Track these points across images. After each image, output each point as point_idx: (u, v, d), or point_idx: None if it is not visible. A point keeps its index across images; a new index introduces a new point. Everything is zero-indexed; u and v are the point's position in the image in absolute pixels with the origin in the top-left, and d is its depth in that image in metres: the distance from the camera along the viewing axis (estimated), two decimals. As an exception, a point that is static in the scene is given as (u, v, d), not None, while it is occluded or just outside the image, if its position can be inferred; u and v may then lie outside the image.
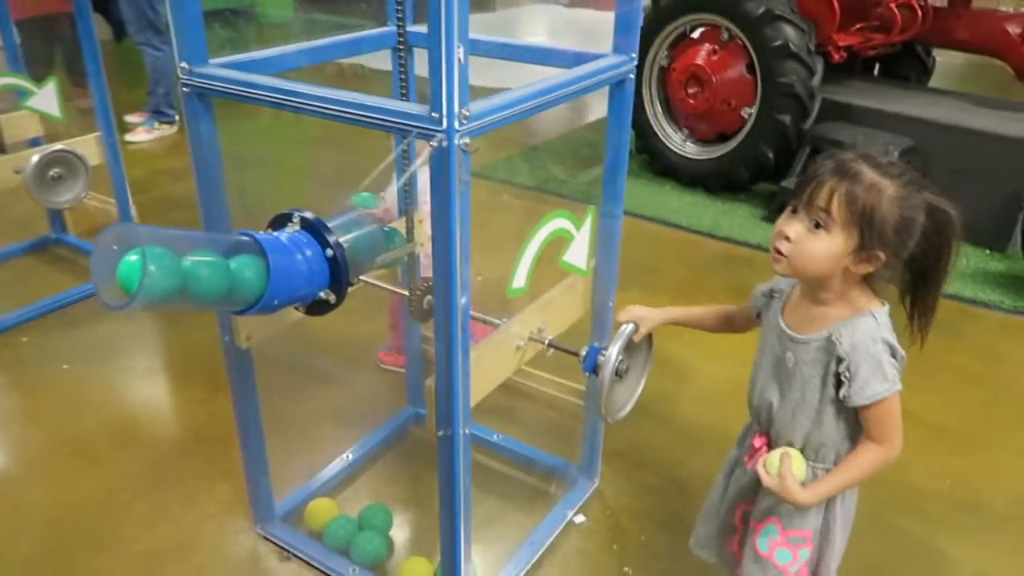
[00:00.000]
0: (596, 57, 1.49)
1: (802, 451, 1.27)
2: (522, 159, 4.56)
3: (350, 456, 2.12)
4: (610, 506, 2.03)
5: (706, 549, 1.50)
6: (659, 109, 4.21)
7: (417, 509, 2.00)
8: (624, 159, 1.64)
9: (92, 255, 1.10)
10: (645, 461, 2.18)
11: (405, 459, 2.19)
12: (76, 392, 2.44)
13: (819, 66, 3.65)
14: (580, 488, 2.04)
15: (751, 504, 1.39)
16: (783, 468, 1.22)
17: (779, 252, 1.19)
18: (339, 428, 2.27)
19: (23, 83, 2.70)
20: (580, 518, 1.98)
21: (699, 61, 3.89)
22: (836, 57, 3.85)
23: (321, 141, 4.71)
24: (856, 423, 1.25)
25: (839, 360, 1.18)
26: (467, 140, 1.13)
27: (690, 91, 3.96)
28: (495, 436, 2.20)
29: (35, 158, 2.62)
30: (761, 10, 3.56)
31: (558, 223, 1.46)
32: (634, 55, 1.53)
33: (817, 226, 1.16)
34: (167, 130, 4.81)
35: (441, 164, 1.13)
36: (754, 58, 3.69)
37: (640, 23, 1.52)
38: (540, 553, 1.86)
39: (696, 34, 4.03)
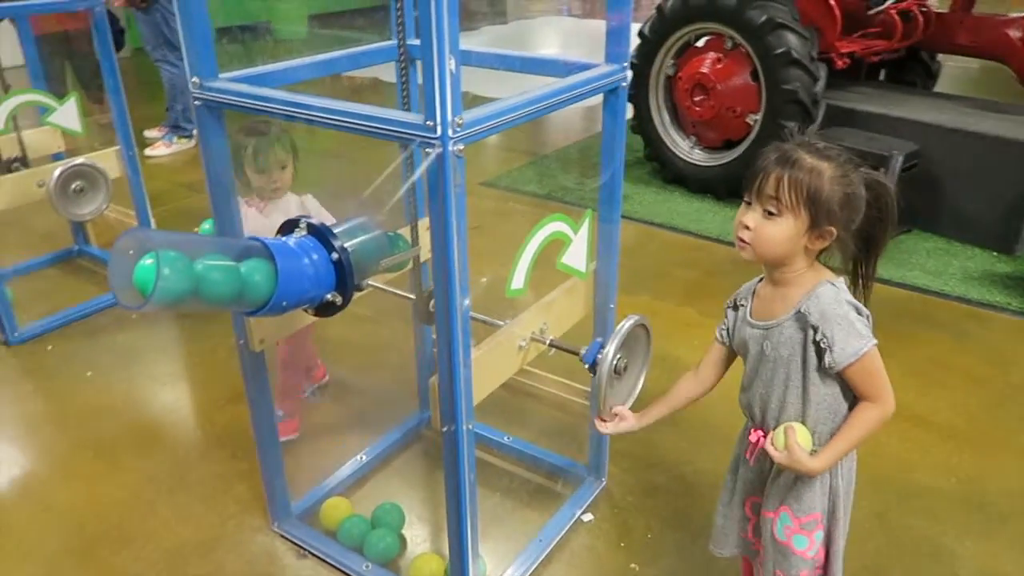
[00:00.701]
0: (589, 66, 1.54)
1: None
2: (532, 168, 4.63)
3: (364, 457, 2.19)
4: (617, 504, 2.07)
5: (725, 547, 1.53)
6: (667, 117, 4.26)
7: (428, 508, 2.05)
8: (620, 164, 1.69)
9: (110, 259, 1.17)
10: (652, 461, 2.22)
11: (417, 460, 2.25)
12: (99, 397, 2.53)
13: (822, 72, 3.68)
14: (588, 487, 2.09)
15: (758, 496, 1.44)
16: (789, 441, 1.27)
17: (743, 241, 1.29)
18: (353, 430, 2.33)
19: (45, 99, 2.80)
20: (588, 516, 2.02)
21: (704, 69, 3.94)
22: (840, 63, 3.88)
23: (331, 153, 4.80)
24: (843, 397, 1.30)
25: (814, 329, 1.25)
26: (460, 147, 1.19)
27: (696, 99, 4.01)
28: (505, 438, 2.25)
29: (57, 172, 2.72)
30: (763, 18, 3.61)
31: (555, 226, 1.51)
32: (626, 64, 1.59)
33: (770, 214, 1.25)
34: (185, 144, 4.93)
35: (437, 170, 1.19)
36: (758, 66, 3.74)
37: (630, 33, 1.57)
38: (549, 550, 1.90)
39: (701, 43, 4.08)
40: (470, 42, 1.78)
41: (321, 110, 1.29)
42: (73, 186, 2.79)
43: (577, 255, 1.61)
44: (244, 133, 2.01)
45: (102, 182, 2.85)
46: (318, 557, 1.89)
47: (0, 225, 2.76)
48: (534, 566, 1.85)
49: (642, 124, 4.33)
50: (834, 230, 1.25)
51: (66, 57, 5.01)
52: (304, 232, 1.40)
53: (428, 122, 1.17)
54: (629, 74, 1.62)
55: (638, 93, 4.26)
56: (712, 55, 3.97)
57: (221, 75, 1.46)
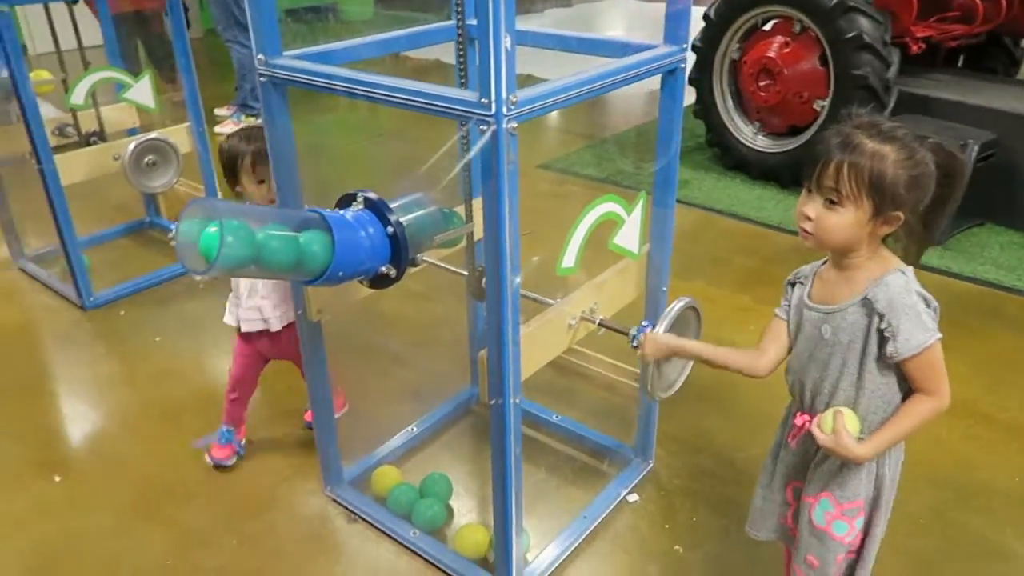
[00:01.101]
0: (647, 47, 1.54)
1: None
2: (589, 152, 4.61)
3: (415, 429, 2.24)
4: (664, 487, 2.08)
5: (762, 530, 1.52)
6: (730, 102, 4.19)
7: (475, 481, 2.09)
8: (677, 147, 1.68)
9: (177, 226, 1.22)
10: (702, 446, 2.22)
11: (466, 434, 2.29)
12: (167, 362, 2.65)
13: (895, 58, 3.57)
14: (634, 468, 2.10)
15: (800, 481, 1.42)
16: (837, 425, 1.25)
17: (805, 231, 1.26)
18: (406, 403, 2.38)
19: (121, 76, 2.92)
20: (633, 497, 2.03)
21: (771, 53, 3.85)
22: (914, 48, 3.75)
23: (390, 134, 4.89)
24: (897, 387, 1.28)
25: (880, 317, 1.22)
26: (514, 124, 1.21)
27: (762, 84, 3.93)
28: (554, 416, 2.28)
29: (132, 146, 2.84)
30: (834, 1, 3.51)
31: (608, 206, 1.52)
32: (685, 45, 1.57)
33: (832, 203, 1.21)
34: (253, 122, 5.06)
35: (491, 147, 1.21)
36: (827, 50, 3.64)
37: (691, 15, 1.55)
38: (593, 527, 1.92)
39: (768, 26, 4.00)
40: (532, 24, 1.78)
41: (380, 87, 1.32)
42: (146, 160, 2.90)
43: (630, 236, 1.62)
44: (242, 140, 1.92)
45: (173, 156, 2.96)
46: (367, 522, 1.95)
47: (78, 197, 2.88)
48: (577, 543, 1.88)
49: (704, 109, 4.27)
50: (901, 215, 1.21)
51: (139, 37, 5.19)
52: (361, 206, 1.44)
53: (483, 99, 1.19)
54: (688, 56, 1.60)
55: (701, 78, 4.20)
56: (779, 39, 3.88)
57: (285, 53, 1.50)
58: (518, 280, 1.35)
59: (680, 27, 1.56)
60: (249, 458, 2.19)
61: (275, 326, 2.01)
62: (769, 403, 2.34)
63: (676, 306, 1.53)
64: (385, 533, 1.92)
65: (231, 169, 1.94)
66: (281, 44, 1.50)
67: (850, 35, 3.50)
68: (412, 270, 1.62)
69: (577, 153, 4.59)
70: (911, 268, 1.27)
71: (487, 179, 1.25)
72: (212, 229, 1.20)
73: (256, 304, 1.98)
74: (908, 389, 1.28)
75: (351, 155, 4.84)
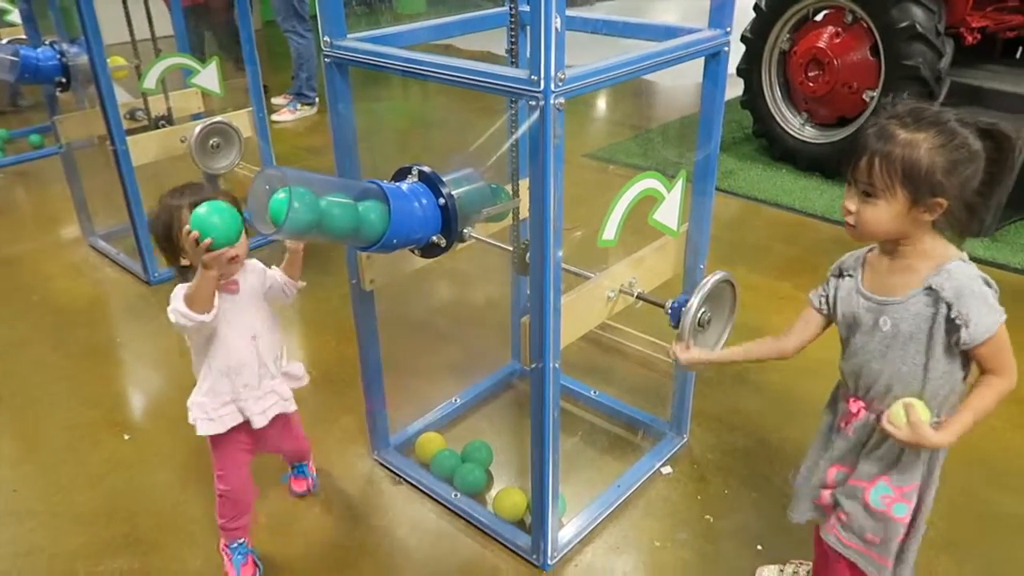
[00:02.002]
0: (690, 31, 1.60)
1: None
2: (635, 142, 4.66)
3: (458, 400, 2.34)
4: (697, 461, 2.14)
5: (801, 513, 1.52)
6: (778, 93, 4.19)
7: (514, 450, 2.18)
8: (718, 128, 1.74)
9: (249, 191, 1.33)
10: (737, 424, 2.27)
11: (506, 407, 2.38)
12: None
13: (948, 48, 3.54)
14: (669, 442, 2.16)
15: (844, 466, 1.43)
16: (911, 418, 1.24)
17: (849, 224, 1.27)
18: (451, 376, 2.49)
19: (190, 62, 3.07)
20: (667, 469, 2.10)
21: (821, 44, 3.85)
22: (969, 39, 3.71)
23: (445, 119, 5.00)
24: (960, 370, 1.28)
25: (948, 306, 1.22)
26: (562, 100, 1.29)
27: (811, 74, 3.93)
28: (592, 392, 2.36)
29: (198, 128, 2.99)
30: (887, -10, 3.50)
31: (648, 183, 1.58)
32: (729, 29, 1.63)
33: (868, 195, 1.22)
34: (308, 111, 5.23)
35: (539, 122, 1.29)
36: (879, 40, 3.62)
37: (735, 1, 1.61)
38: (626, 496, 2.00)
39: (819, 17, 3.99)
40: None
41: (435, 66, 1.41)
42: (211, 142, 3.05)
43: (669, 213, 1.68)
44: (175, 196, 1.55)
45: (236, 139, 3.11)
46: (412, 484, 2.05)
47: (145, 179, 3.04)
48: (611, 509, 1.96)
49: (752, 99, 4.28)
50: (943, 201, 1.19)
51: (206, 27, 5.40)
52: (416, 179, 1.53)
53: (533, 76, 1.27)
54: (731, 41, 1.65)
55: (750, 68, 4.21)
56: (830, 29, 3.87)
57: (348, 35, 1.61)
58: (560, 253, 1.43)
59: (724, 12, 1.62)
60: (301, 422, 2.31)
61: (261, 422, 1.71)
62: (805, 387, 2.39)
63: (711, 279, 1.60)
64: (428, 494, 2.02)
65: (166, 234, 1.53)
66: (346, 27, 1.60)
67: (902, 24, 3.49)
68: (460, 246, 1.72)
69: (623, 143, 4.64)
70: (964, 254, 1.25)
71: (535, 153, 1.33)
72: (281, 195, 1.30)
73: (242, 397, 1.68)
74: (966, 371, 1.28)
75: (409, 134, 5.00)
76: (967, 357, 1.28)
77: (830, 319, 1.42)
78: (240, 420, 1.69)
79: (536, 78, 1.26)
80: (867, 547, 1.39)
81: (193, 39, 5.14)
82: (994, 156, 1.21)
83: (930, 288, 1.23)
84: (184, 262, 1.56)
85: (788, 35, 4.08)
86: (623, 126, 5.09)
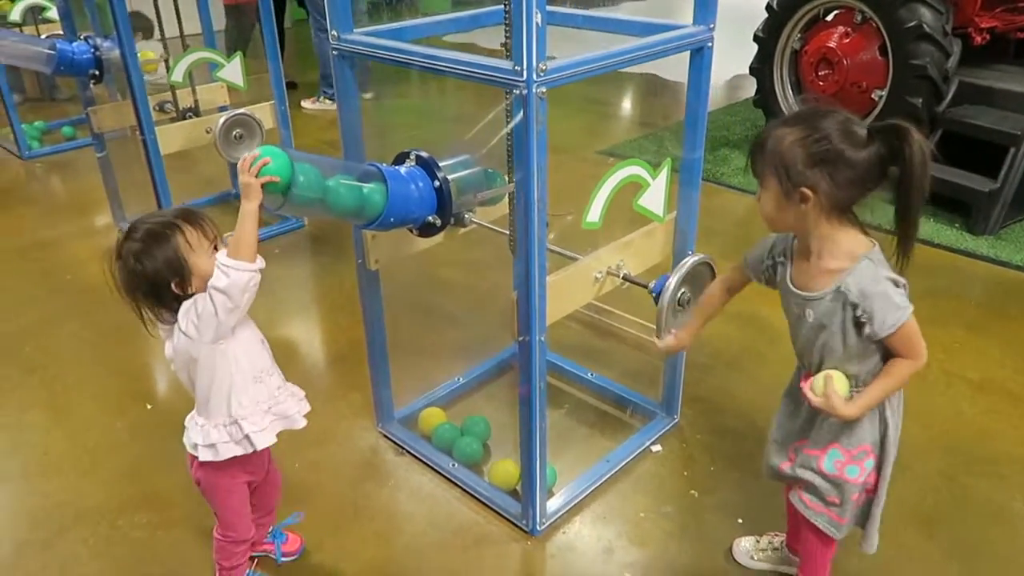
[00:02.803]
0: (675, 27, 1.70)
1: None
2: (649, 140, 4.75)
3: (460, 379, 2.46)
4: (686, 440, 2.23)
5: (773, 476, 1.63)
6: (790, 93, 4.25)
7: (511, 428, 2.26)
8: (703, 120, 1.83)
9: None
10: (727, 408, 2.36)
11: (506, 388, 2.49)
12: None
13: (956, 48, 3.58)
14: (659, 422, 2.26)
15: (802, 440, 1.54)
16: (827, 388, 1.38)
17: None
18: (455, 356, 2.60)
19: (216, 56, 3.23)
20: (657, 448, 2.20)
21: (831, 43, 3.91)
22: (978, 40, 3.75)
23: (458, 114, 5.14)
24: (875, 356, 1.39)
25: (853, 307, 1.33)
26: (543, 90, 1.40)
27: (821, 73, 3.99)
28: (589, 374, 2.46)
29: (222, 120, 3.14)
30: (895, -10, 3.56)
31: (632, 170, 1.69)
32: (712, 25, 1.73)
33: (761, 186, 1.37)
34: (330, 105, 5.40)
35: (523, 110, 1.40)
36: (887, 40, 3.68)
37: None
38: (615, 471, 2.10)
39: (830, 17, 4.05)
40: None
41: (429, 57, 1.53)
42: (234, 133, 3.20)
43: (654, 199, 1.78)
44: (165, 218, 1.47)
45: (258, 130, 3.26)
46: (413, 455, 2.17)
47: (173, 170, 3.20)
48: (600, 482, 2.06)
49: (764, 98, 4.34)
50: (808, 191, 1.29)
51: (248, 25, 5.61)
52: (413, 163, 1.65)
53: (516, 67, 1.38)
54: (714, 36, 1.75)
55: (762, 67, 4.28)
56: (840, 29, 3.93)
57: (355, 30, 1.73)
58: (545, 232, 1.54)
59: (708, 8, 1.72)
60: (311, 399, 2.42)
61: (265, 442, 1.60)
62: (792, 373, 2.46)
63: (689, 260, 1.69)
64: (428, 465, 2.14)
65: (169, 259, 1.41)
66: (353, 22, 1.73)
67: (910, 24, 3.54)
68: (462, 231, 1.83)
69: (637, 141, 4.73)
70: (877, 248, 1.34)
71: (518, 138, 1.44)
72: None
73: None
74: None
75: (414, 127, 5.14)
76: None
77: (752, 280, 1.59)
78: (281, 429, 1.61)
79: (520, 68, 1.37)
80: (827, 507, 1.49)
81: (234, 35, 5.39)
82: (894, 154, 1.25)
83: (839, 290, 1.34)
84: (191, 289, 1.43)
85: (799, 35, 4.14)
86: (640, 124, 5.20)
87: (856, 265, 1.34)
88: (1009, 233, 3.41)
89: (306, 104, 5.50)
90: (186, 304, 1.46)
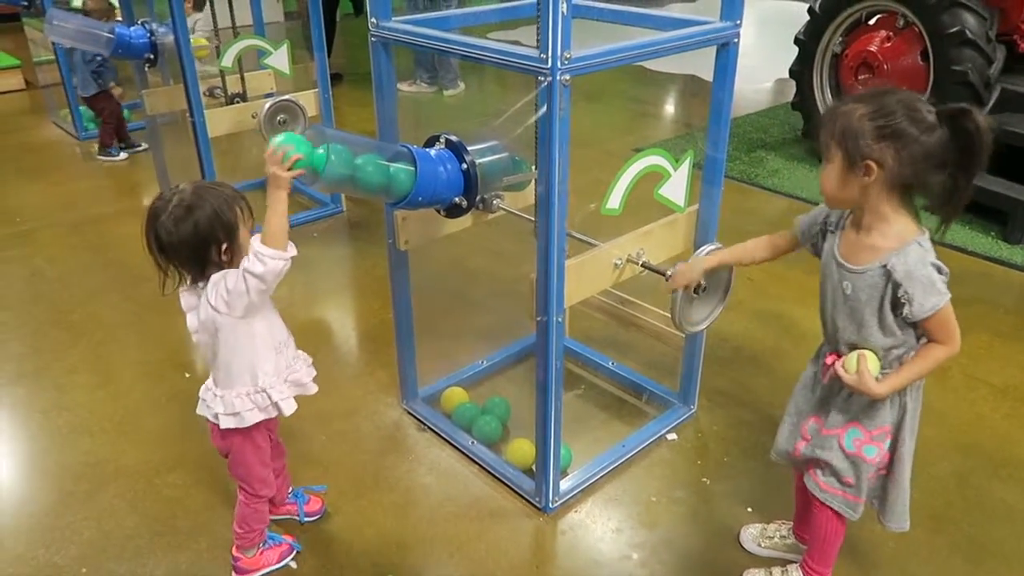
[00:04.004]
0: (702, 23, 1.74)
1: None
2: (686, 139, 4.77)
3: (484, 362, 2.53)
4: (702, 430, 2.27)
5: (782, 457, 1.69)
6: (829, 96, 4.24)
7: (531, 411, 2.33)
8: (727, 116, 1.87)
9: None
10: (745, 401, 2.40)
11: (527, 373, 2.55)
12: (284, 297, 3.03)
13: (999, 55, 3.55)
14: (676, 412, 2.30)
15: (819, 417, 1.58)
16: (860, 366, 1.42)
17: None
18: (481, 340, 2.68)
19: (263, 44, 3.34)
20: (672, 436, 2.24)
21: (872, 47, 3.90)
22: (1023, 46, 3.71)
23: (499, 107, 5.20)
24: (914, 333, 1.43)
25: (896, 285, 1.37)
26: (567, 77, 1.46)
27: (861, 77, 3.98)
28: (610, 363, 2.51)
29: (267, 105, 3.26)
30: (939, -4, 3.53)
31: (654, 159, 1.74)
32: (739, 21, 1.77)
33: (825, 159, 1.40)
34: (426, 88, 5.55)
35: (547, 97, 1.47)
36: (928, 45, 3.66)
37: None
38: (630, 455, 2.15)
39: (872, 21, 4.03)
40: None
41: (461, 44, 1.60)
42: (279, 118, 3.32)
43: (675, 190, 1.83)
44: (221, 189, 1.54)
45: (301, 116, 3.37)
46: (434, 431, 2.25)
47: (220, 154, 3.34)
48: (614, 466, 2.11)
49: (803, 101, 4.34)
50: (872, 164, 1.32)
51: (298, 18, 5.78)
52: (443, 145, 1.73)
53: (542, 55, 1.44)
54: (740, 32, 1.79)
55: (802, 70, 4.28)
56: (882, 33, 3.92)
57: (393, 19, 1.81)
58: (564, 215, 1.60)
59: (735, 5, 1.76)
60: (340, 374, 2.54)
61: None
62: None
63: (705, 249, 1.74)
64: (448, 441, 2.21)
65: (222, 223, 1.47)
66: (391, 11, 1.81)
67: (952, 30, 3.52)
68: (490, 216, 1.90)
69: (673, 140, 4.75)
70: (927, 235, 1.38)
71: (542, 125, 1.51)
72: (320, 150, 1.51)
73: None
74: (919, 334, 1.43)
75: (448, 116, 5.23)
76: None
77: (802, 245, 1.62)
78: (295, 395, 1.67)
79: (545, 56, 1.43)
80: (843, 488, 1.53)
81: (288, 29, 5.54)
82: (957, 136, 1.29)
83: (886, 267, 1.38)
84: (224, 257, 1.50)
85: (841, 38, 4.13)
86: (678, 123, 5.24)
87: (905, 247, 1.37)
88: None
89: (402, 86, 5.49)
90: (215, 276, 1.51)
